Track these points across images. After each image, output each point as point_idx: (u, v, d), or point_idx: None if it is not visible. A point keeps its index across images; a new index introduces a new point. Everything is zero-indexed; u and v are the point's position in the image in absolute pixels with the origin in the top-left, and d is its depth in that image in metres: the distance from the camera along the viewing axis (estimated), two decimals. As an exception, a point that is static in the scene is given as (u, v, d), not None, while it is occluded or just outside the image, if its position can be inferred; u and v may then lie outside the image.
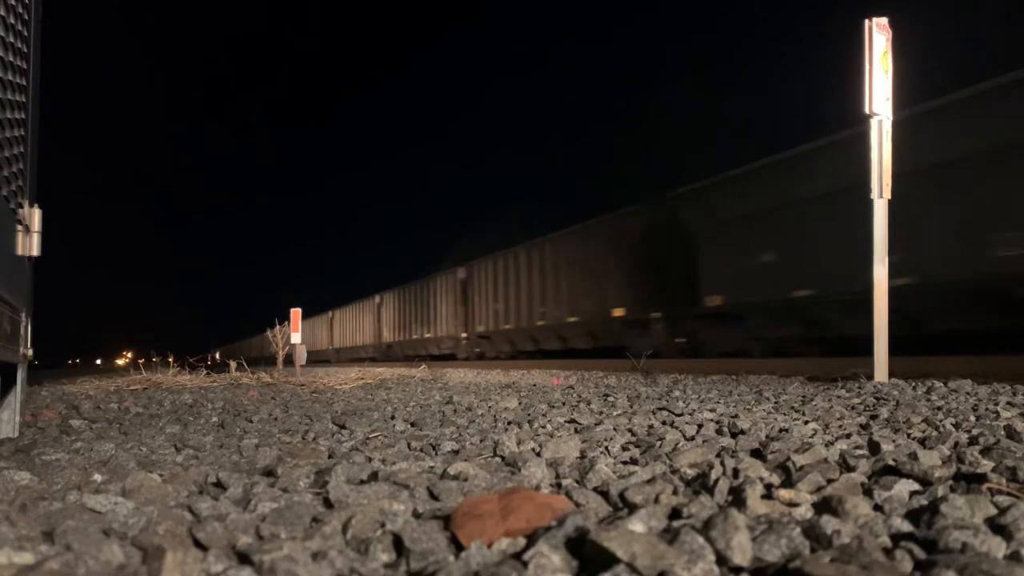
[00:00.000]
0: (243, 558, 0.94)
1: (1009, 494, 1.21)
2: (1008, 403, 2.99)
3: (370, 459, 1.80)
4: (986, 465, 1.49)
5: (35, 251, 2.61)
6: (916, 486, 1.29)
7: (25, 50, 2.50)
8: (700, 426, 2.32)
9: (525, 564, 0.85)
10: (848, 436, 2.05)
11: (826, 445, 1.81)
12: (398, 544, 0.99)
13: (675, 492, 1.29)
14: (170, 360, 9.74)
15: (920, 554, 0.90)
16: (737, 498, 1.19)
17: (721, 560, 0.87)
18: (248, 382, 7.41)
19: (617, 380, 6.44)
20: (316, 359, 32.61)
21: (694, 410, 2.95)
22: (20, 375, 2.61)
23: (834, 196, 8.44)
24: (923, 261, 7.42)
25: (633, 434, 2.23)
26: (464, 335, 19.23)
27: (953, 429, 2.16)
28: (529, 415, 3.00)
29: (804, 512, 1.15)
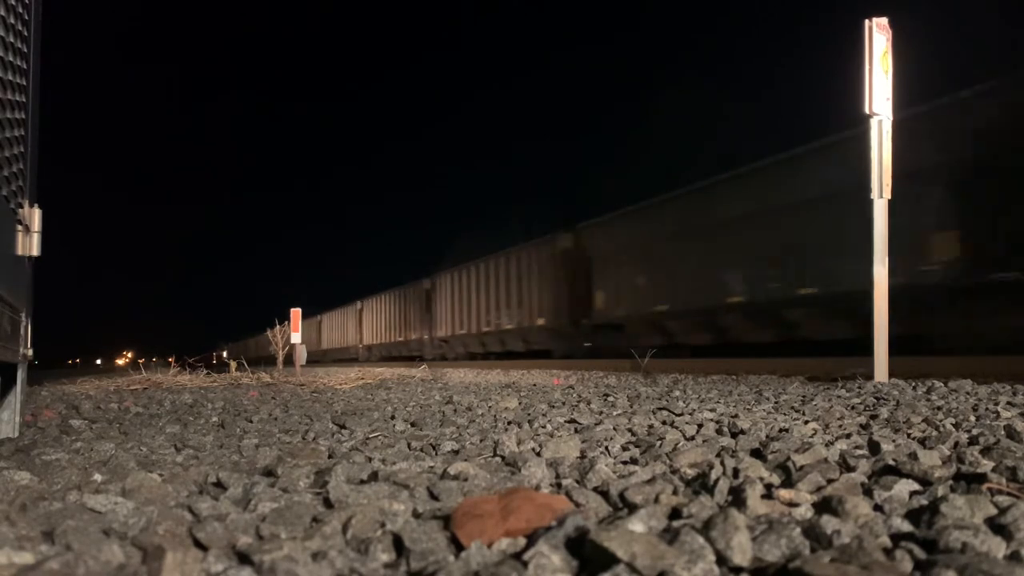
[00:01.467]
0: (243, 558, 0.94)
1: (1009, 494, 1.21)
2: (1008, 403, 2.99)
3: (370, 459, 1.80)
4: (986, 465, 1.49)
5: (35, 251, 2.61)
6: (916, 486, 1.29)
7: (25, 50, 2.50)
8: (700, 426, 2.32)
9: (525, 564, 0.85)
10: (848, 436, 2.05)
11: (826, 445, 1.81)
12: (398, 544, 0.99)
13: (675, 492, 1.29)
14: (170, 360, 9.74)
15: (920, 554, 0.90)
16: (737, 498, 1.19)
17: (721, 560, 0.87)
18: (248, 382, 7.41)
19: (617, 380, 6.44)
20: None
21: (694, 410, 2.95)
22: (20, 375, 2.61)
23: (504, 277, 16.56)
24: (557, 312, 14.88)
25: (633, 434, 2.23)
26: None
27: (953, 429, 2.16)
28: (529, 415, 3.00)
29: (804, 512, 1.15)
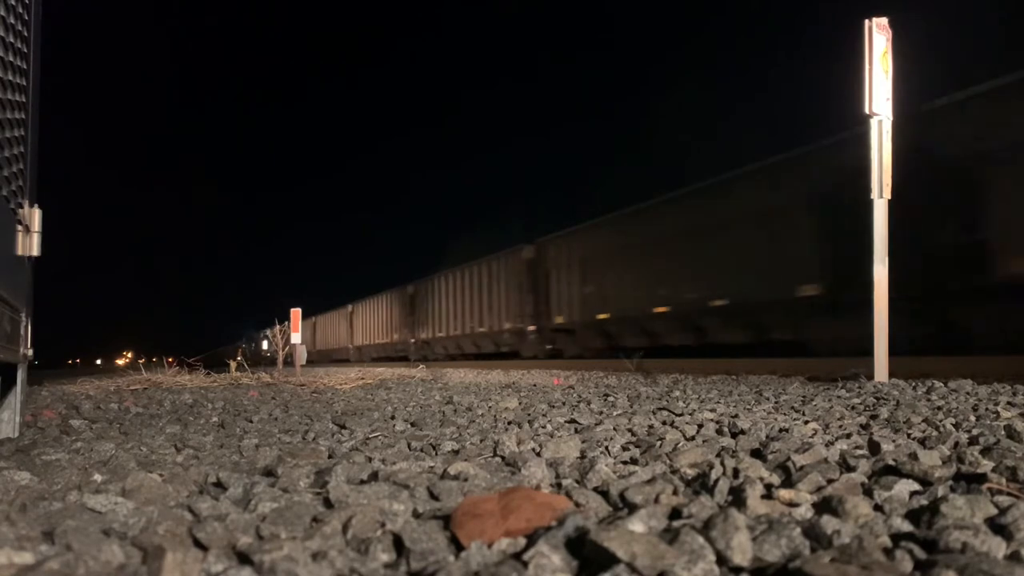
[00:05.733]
0: (243, 558, 0.94)
1: (1009, 494, 1.21)
2: (1008, 403, 2.99)
3: (370, 459, 1.80)
4: (986, 465, 1.49)
5: (35, 251, 2.61)
6: (916, 486, 1.29)
7: (25, 50, 2.50)
8: (700, 426, 2.32)
9: (525, 564, 0.85)
10: (848, 436, 2.05)
11: (826, 445, 1.81)
12: (398, 544, 0.99)
13: (675, 492, 1.29)
14: (168, 360, 9.68)
15: (920, 554, 0.90)
16: (737, 498, 1.19)
17: (721, 560, 0.87)
18: (248, 382, 7.41)
19: (617, 380, 6.44)
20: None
21: (694, 410, 2.95)
22: (20, 375, 2.61)
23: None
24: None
25: (633, 434, 2.23)
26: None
27: (953, 429, 2.16)
28: (529, 415, 3.00)
29: (804, 512, 1.15)
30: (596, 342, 14.18)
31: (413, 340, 22.76)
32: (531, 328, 16.25)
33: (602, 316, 13.67)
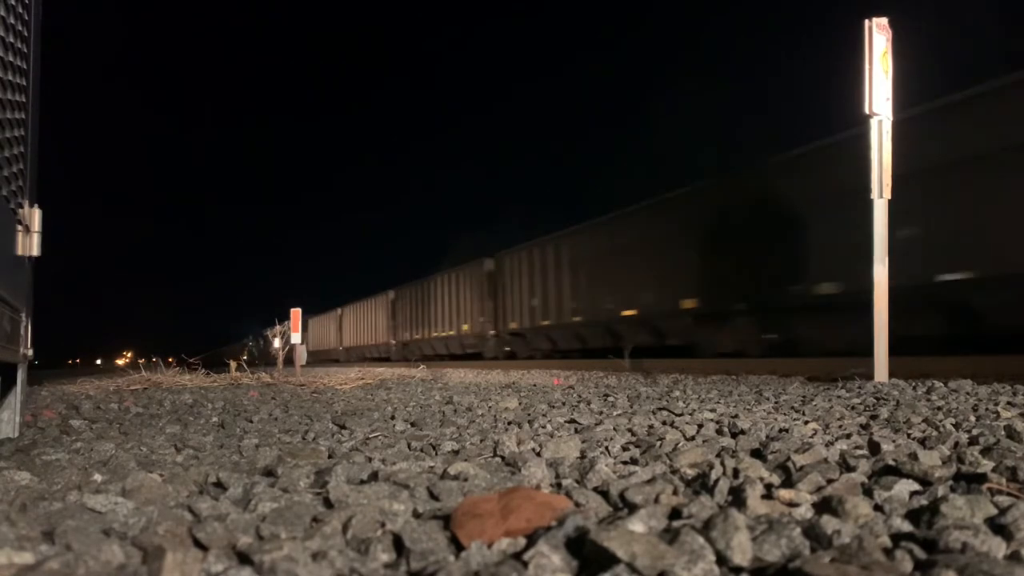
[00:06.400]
0: (243, 558, 0.94)
1: (1009, 494, 1.21)
2: (1008, 403, 2.99)
3: (370, 459, 1.80)
4: (986, 465, 1.49)
5: (35, 251, 2.61)
6: (916, 486, 1.29)
7: (25, 50, 2.50)
8: (700, 426, 2.32)
9: (525, 564, 0.85)
10: (848, 436, 2.05)
11: (826, 445, 1.81)
12: (398, 544, 0.99)
13: (675, 492, 1.29)
14: (168, 360, 9.65)
15: (920, 554, 0.90)
16: (737, 498, 1.19)
17: (721, 560, 0.87)
18: (248, 382, 7.41)
19: (617, 380, 6.44)
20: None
21: (694, 410, 2.95)
22: (20, 375, 2.61)
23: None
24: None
25: (633, 434, 2.23)
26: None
27: (953, 429, 2.16)
28: (529, 415, 3.00)
29: (804, 512, 1.15)
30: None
31: (494, 332, 17.94)
32: (686, 307, 10.84)
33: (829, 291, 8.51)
